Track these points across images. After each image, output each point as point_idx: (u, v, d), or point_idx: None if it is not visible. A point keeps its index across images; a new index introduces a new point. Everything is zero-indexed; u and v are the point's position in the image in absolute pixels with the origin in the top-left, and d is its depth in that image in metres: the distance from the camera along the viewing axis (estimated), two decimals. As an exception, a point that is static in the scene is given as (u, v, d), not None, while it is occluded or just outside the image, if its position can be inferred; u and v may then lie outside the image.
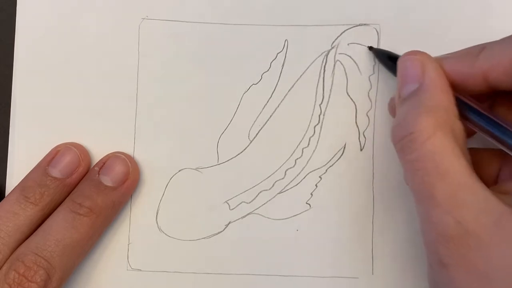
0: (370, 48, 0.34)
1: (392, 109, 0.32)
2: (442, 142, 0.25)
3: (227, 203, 0.34)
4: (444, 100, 0.27)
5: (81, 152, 0.33)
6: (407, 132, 0.26)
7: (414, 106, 0.27)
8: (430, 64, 0.28)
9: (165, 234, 0.34)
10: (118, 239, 0.34)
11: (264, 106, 0.34)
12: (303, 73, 0.34)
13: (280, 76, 0.34)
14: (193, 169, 0.34)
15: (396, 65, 0.30)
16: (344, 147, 0.34)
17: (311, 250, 0.34)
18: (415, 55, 0.29)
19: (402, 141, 0.26)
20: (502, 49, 0.27)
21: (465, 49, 0.29)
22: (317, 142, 0.34)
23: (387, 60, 0.33)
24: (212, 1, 0.35)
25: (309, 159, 0.34)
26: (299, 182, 0.34)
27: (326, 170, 0.34)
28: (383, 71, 0.34)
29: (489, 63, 0.27)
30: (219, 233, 0.34)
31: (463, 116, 0.28)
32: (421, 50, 0.34)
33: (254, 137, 0.34)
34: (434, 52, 0.34)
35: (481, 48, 0.28)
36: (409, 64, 0.29)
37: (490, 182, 0.30)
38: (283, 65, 0.35)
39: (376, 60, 0.34)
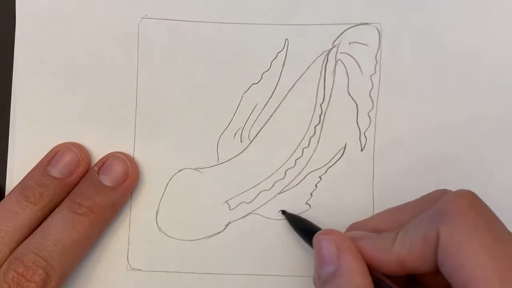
0: (283, 212, 0.34)
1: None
2: None
3: (227, 203, 0.34)
4: (362, 284, 0.26)
5: (81, 152, 0.33)
6: None
7: None
8: (346, 245, 0.27)
9: (165, 234, 0.34)
10: (118, 239, 0.34)
11: (265, 106, 0.34)
12: (304, 72, 0.34)
13: (280, 75, 0.34)
14: (193, 169, 0.34)
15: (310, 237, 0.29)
16: (345, 147, 0.34)
17: (311, 250, 0.34)
18: (329, 235, 0.28)
19: None
20: (416, 234, 0.26)
21: (382, 234, 0.28)
22: (318, 142, 0.34)
23: (301, 229, 0.32)
24: (212, 0, 0.35)
25: (309, 159, 0.34)
26: (299, 182, 0.34)
27: (326, 171, 0.34)
28: (385, 71, 0.34)
29: (405, 251, 0.26)
30: (219, 233, 0.34)
31: None
32: (421, 51, 0.34)
33: (254, 137, 0.34)
34: (435, 52, 0.34)
35: (396, 234, 0.27)
36: (324, 244, 0.28)
37: None
38: (283, 64, 0.34)
39: (378, 60, 0.34)
